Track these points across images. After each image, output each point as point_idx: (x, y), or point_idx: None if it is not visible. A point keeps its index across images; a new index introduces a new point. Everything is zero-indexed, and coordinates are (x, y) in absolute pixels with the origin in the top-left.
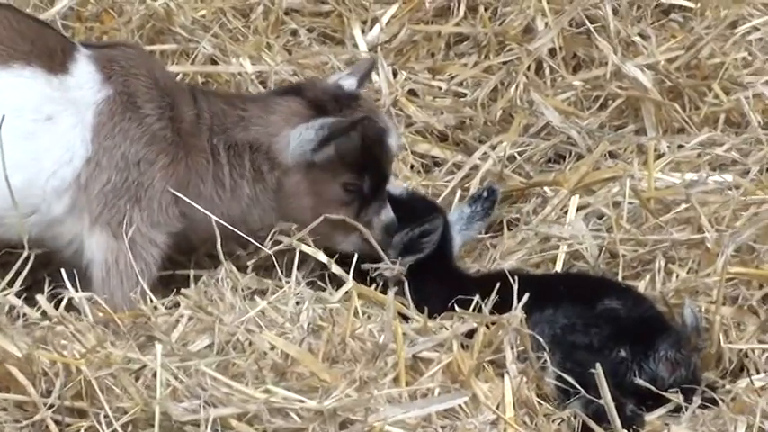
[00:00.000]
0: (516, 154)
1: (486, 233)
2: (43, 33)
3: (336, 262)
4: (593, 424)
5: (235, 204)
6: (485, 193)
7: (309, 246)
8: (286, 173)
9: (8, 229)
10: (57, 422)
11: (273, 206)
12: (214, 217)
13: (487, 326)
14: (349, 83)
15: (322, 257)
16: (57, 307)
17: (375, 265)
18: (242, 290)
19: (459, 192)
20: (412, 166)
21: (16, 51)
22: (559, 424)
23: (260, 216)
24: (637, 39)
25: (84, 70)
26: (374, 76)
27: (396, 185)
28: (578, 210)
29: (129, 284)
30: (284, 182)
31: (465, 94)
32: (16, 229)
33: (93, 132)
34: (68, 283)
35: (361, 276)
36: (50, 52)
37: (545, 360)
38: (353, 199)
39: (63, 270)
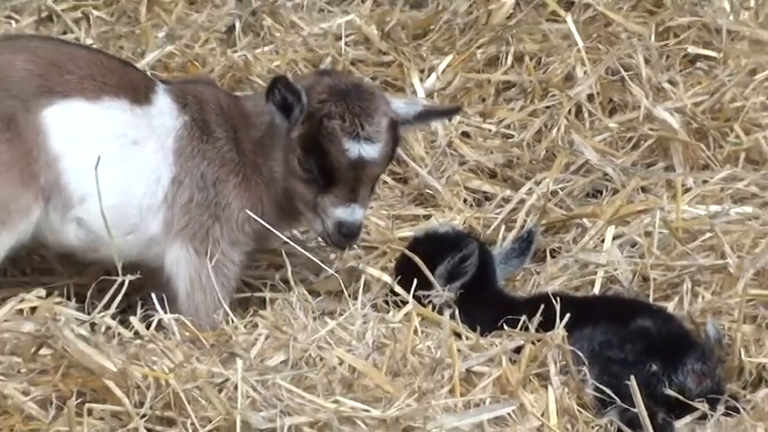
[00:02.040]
0: (558, 189)
1: (531, 260)
2: (128, 71)
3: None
4: (628, 431)
5: (280, 198)
6: (525, 235)
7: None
8: (276, 139)
9: (108, 247)
10: (148, 430)
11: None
12: (285, 238)
13: (533, 343)
14: (408, 105)
15: (386, 278)
16: (148, 327)
17: (427, 293)
18: (313, 311)
19: (503, 226)
20: (465, 200)
21: (106, 85)
22: (598, 431)
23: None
24: (666, 85)
25: (163, 101)
26: None
27: (444, 223)
28: (614, 239)
29: (211, 299)
30: (275, 149)
31: (512, 136)
32: (119, 250)
33: (175, 155)
34: (158, 306)
35: (417, 299)
36: (135, 86)
37: (585, 373)
38: (310, 180)
39: (153, 294)
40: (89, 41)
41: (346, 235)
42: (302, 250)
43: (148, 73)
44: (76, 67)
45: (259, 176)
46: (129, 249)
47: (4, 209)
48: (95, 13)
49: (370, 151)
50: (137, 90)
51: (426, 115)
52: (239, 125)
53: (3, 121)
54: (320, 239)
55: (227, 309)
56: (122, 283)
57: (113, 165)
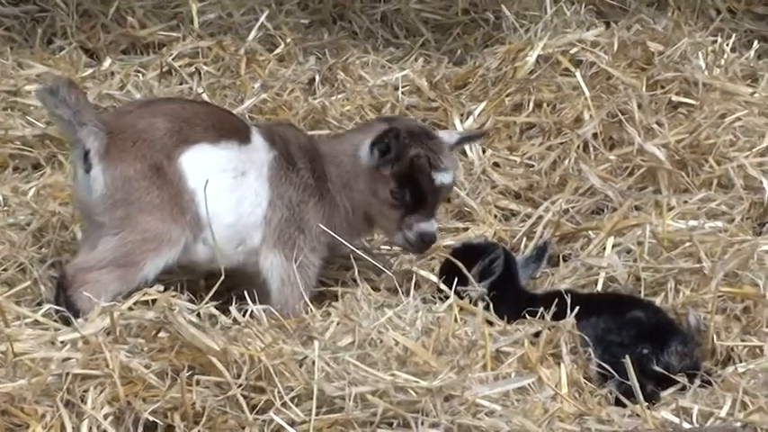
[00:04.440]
0: (569, 207)
1: (547, 264)
2: (231, 117)
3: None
4: (623, 398)
5: (355, 218)
6: (542, 244)
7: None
8: (362, 175)
9: (225, 258)
10: (244, 396)
11: (360, 204)
12: (352, 247)
13: (549, 329)
14: (449, 135)
15: (433, 278)
16: (243, 316)
17: (465, 288)
18: (375, 303)
19: (525, 237)
20: (495, 216)
21: (221, 130)
22: (599, 398)
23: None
24: (655, 126)
25: (257, 139)
26: (468, 152)
27: (478, 234)
28: (613, 247)
29: (297, 294)
30: (360, 182)
31: (533, 165)
32: (231, 259)
33: (269, 182)
34: (249, 300)
35: (457, 294)
36: (238, 129)
37: (590, 353)
38: (399, 205)
39: (246, 291)
40: (200, 90)
41: (428, 242)
42: (366, 256)
43: (243, 117)
44: (200, 119)
45: (330, 199)
46: (237, 258)
47: (157, 241)
48: (205, 68)
49: (448, 178)
50: (240, 132)
51: (461, 141)
52: (315, 158)
53: (153, 170)
54: (398, 247)
55: (308, 301)
56: (223, 282)
57: (229, 192)
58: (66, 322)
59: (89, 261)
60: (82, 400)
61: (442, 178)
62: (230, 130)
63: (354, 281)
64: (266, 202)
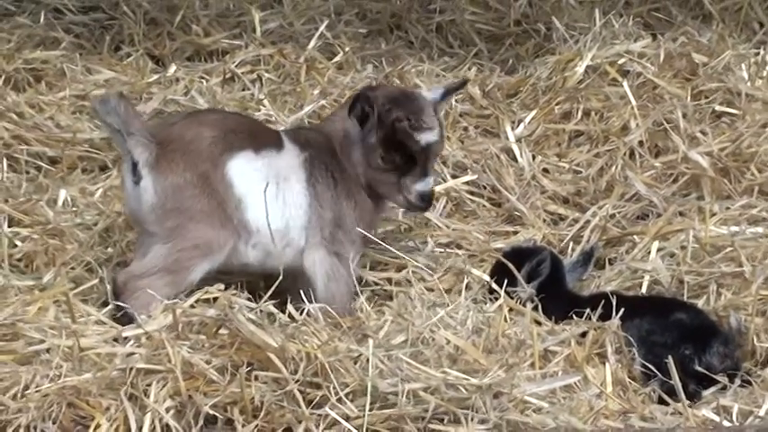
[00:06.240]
0: (615, 213)
1: (594, 267)
2: (264, 125)
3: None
4: (666, 397)
5: (372, 194)
6: (588, 248)
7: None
8: (355, 147)
9: (276, 259)
10: (300, 392)
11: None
12: (388, 246)
13: (595, 329)
14: (433, 92)
15: (485, 277)
16: (300, 314)
17: (514, 289)
18: (427, 303)
19: (572, 241)
20: (544, 220)
21: (262, 138)
22: (643, 397)
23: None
24: (699, 134)
25: (289, 144)
26: (519, 159)
27: (526, 239)
28: (657, 251)
29: (344, 288)
30: (356, 155)
31: (581, 171)
32: (281, 261)
33: (307, 183)
34: (305, 299)
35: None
36: (274, 136)
37: (634, 353)
38: (391, 168)
39: (302, 290)
40: (261, 96)
41: (428, 200)
42: (415, 261)
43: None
44: (242, 128)
45: (355, 185)
46: (285, 259)
47: (207, 246)
48: (266, 75)
49: (432, 136)
50: (276, 138)
51: (447, 94)
52: (332, 150)
53: (201, 179)
54: (403, 209)
55: (359, 293)
56: (281, 281)
57: (276, 198)
58: (125, 324)
59: (140, 268)
60: (145, 394)
61: (426, 138)
62: (267, 137)
63: (408, 281)
64: (306, 204)
